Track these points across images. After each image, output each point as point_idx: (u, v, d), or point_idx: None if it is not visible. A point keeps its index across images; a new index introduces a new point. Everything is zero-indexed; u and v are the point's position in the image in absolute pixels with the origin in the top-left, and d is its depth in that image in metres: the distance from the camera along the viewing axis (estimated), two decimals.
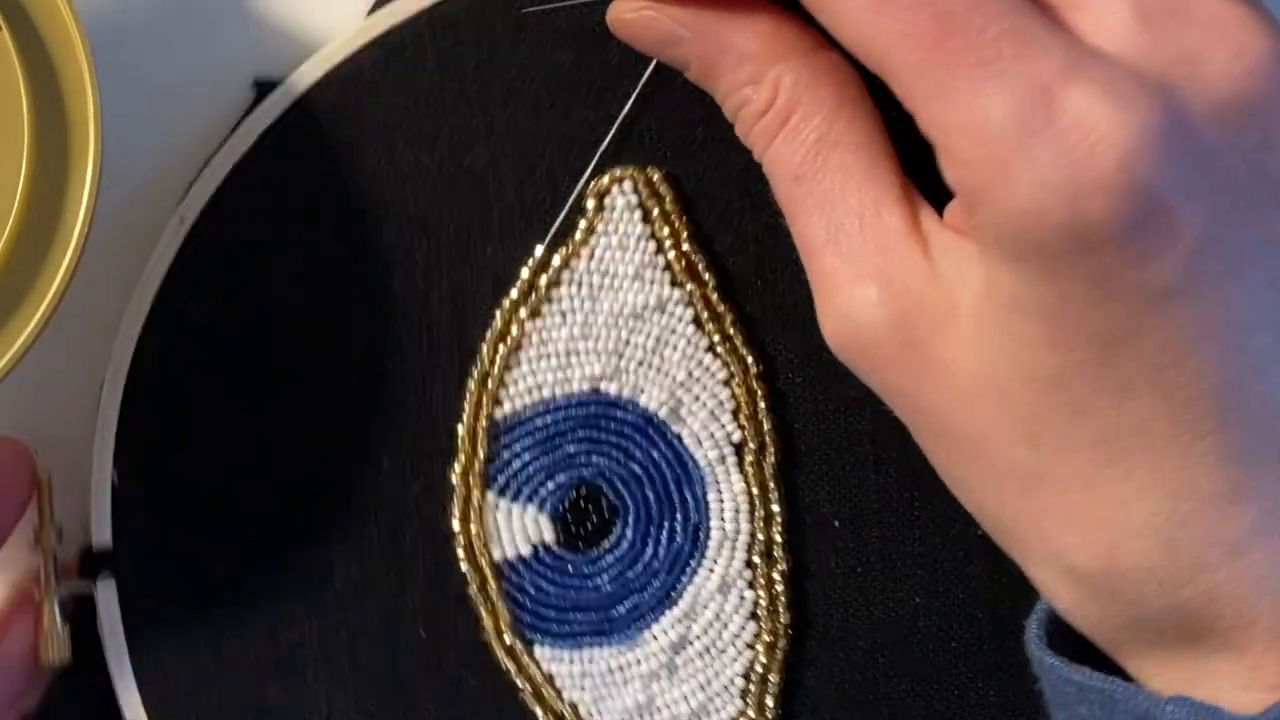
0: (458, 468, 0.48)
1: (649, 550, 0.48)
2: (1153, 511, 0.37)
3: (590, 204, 0.47)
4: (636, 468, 0.48)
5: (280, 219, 0.48)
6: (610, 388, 0.48)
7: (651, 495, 0.48)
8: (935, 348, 0.39)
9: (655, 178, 0.47)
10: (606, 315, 0.47)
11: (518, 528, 0.48)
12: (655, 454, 0.48)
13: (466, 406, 0.48)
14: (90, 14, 0.43)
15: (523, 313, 0.47)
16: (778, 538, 0.47)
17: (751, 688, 0.48)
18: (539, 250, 0.47)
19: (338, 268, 0.48)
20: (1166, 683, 0.39)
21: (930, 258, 0.39)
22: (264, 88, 0.48)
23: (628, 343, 0.47)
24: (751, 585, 0.48)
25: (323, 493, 0.49)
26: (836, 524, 0.47)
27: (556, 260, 0.47)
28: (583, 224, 0.47)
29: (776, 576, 0.47)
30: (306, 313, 0.48)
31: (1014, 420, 0.38)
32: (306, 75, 0.48)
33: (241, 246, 0.48)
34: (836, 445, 0.47)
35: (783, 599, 0.47)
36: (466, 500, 0.48)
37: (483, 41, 0.47)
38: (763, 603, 0.48)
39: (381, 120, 0.48)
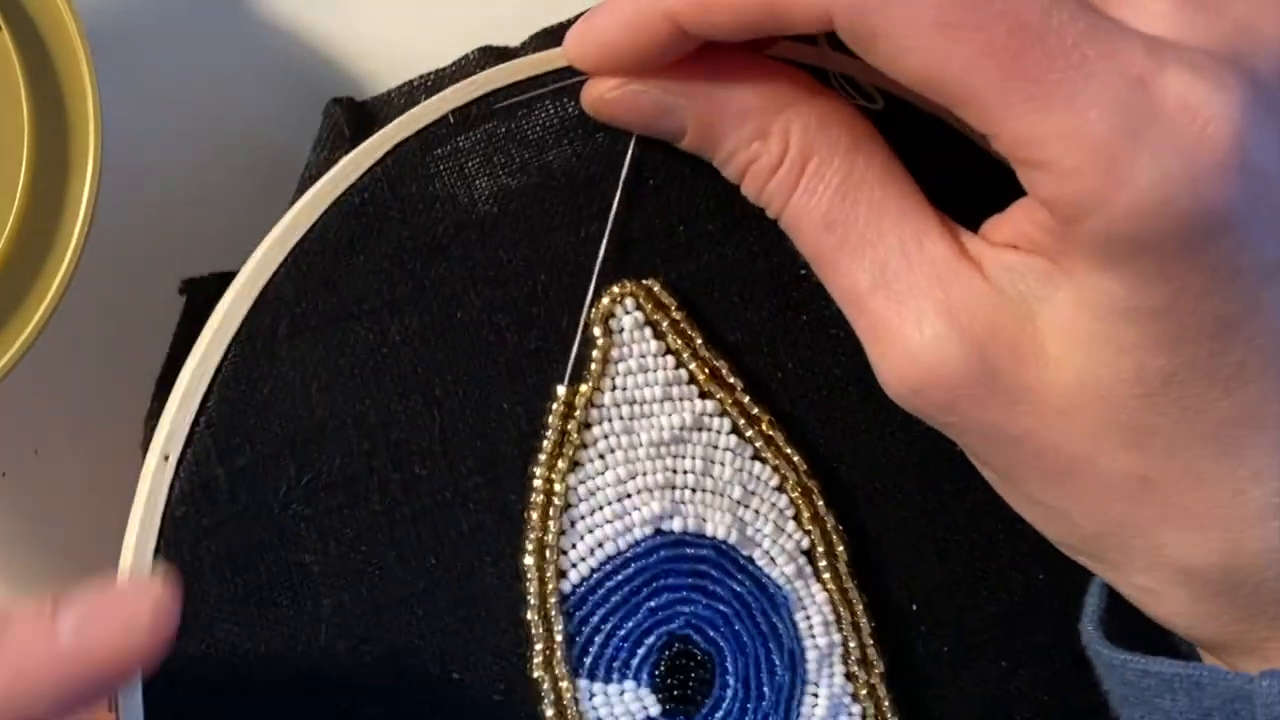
0: (538, 658, 0.42)
1: (755, 692, 0.44)
2: (1272, 493, 0.37)
3: (597, 331, 0.43)
4: (722, 606, 0.44)
5: (277, 441, 0.41)
6: (673, 525, 0.43)
7: (744, 632, 0.44)
8: (1019, 371, 0.38)
9: (655, 288, 0.44)
10: (647, 447, 0.43)
11: (620, 712, 0.43)
12: (736, 586, 0.44)
13: (531, 587, 0.42)
14: (90, 14, 0.42)
15: (561, 466, 0.42)
16: (869, 640, 0.45)
17: None
18: (561, 390, 0.43)
19: (351, 470, 0.41)
20: None
21: (990, 280, 0.38)
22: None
23: (675, 471, 0.43)
24: (855, 698, 0.45)
25: None
26: (914, 608, 0.45)
27: (580, 401, 0.43)
28: (595, 355, 0.43)
29: (876, 681, 0.45)
30: (334, 537, 0.42)
31: (1118, 428, 0.37)
32: (267, 263, 0.41)
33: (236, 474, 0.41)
34: (894, 525, 0.46)
35: (886, 703, 0.45)
36: (557, 695, 0.42)
37: (439, 180, 0.43)
38: (870, 713, 0.45)
39: (358, 291, 0.42)
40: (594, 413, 0.43)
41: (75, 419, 0.49)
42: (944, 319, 0.38)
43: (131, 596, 0.34)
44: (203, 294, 0.43)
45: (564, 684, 0.42)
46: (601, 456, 0.43)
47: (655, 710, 0.43)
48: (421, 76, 0.46)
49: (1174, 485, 0.37)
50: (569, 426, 0.43)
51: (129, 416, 0.45)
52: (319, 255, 0.42)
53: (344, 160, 0.42)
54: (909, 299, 0.38)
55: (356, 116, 0.45)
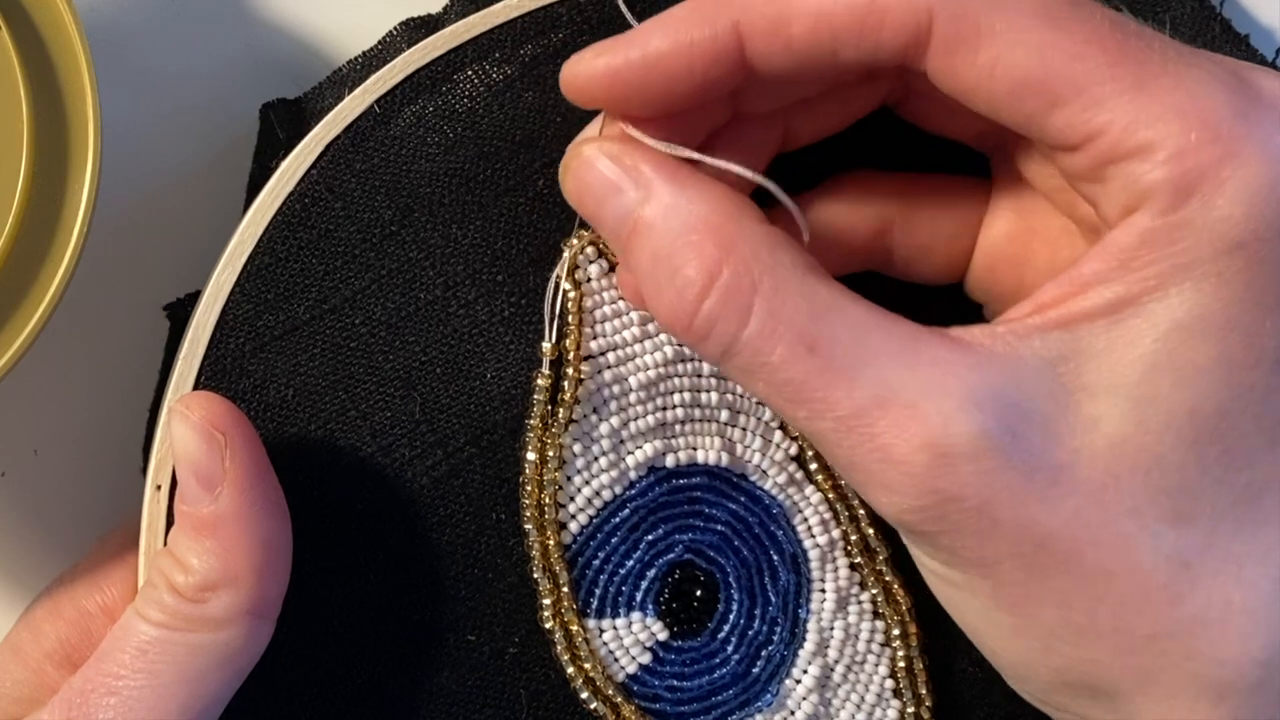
0: (547, 610, 0.44)
1: (760, 600, 0.46)
2: None
3: (567, 286, 0.44)
4: (719, 527, 0.45)
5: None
6: (666, 461, 0.45)
7: (743, 547, 0.45)
8: (1053, 450, 0.35)
9: None
10: (637, 391, 0.44)
11: (630, 642, 0.45)
12: (731, 505, 0.45)
13: (533, 545, 0.44)
14: (90, 14, 0.42)
15: (555, 427, 0.44)
16: (869, 529, 0.46)
17: (902, 683, 0.46)
18: (546, 347, 0.44)
19: (341, 463, 0.43)
20: None
21: (1011, 358, 0.36)
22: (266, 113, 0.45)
23: (665, 409, 0.45)
24: (863, 585, 0.46)
25: (420, 696, 0.43)
26: None
27: (569, 357, 0.44)
28: (571, 309, 0.44)
29: (882, 567, 0.46)
30: (337, 525, 0.44)
31: (1161, 495, 0.35)
32: (221, 285, 0.43)
33: None
34: None
35: (897, 585, 0.46)
36: (568, 638, 0.44)
37: (377, 170, 0.44)
38: (880, 598, 0.46)
39: (317, 294, 0.43)
40: (585, 366, 0.44)
41: (75, 419, 0.49)
42: (970, 410, 0.35)
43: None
44: (182, 316, 0.44)
45: (574, 628, 0.44)
46: (595, 410, 0.44)
47: (664, 635, 0.45)
48: (349, 62, 0.46)
49: (1215, 570, 0.35)
50: (562, 384, 0.44)
51: (129, 417, 0.47)
52: (270, 268, 0.43)
53: (279, 170, 0.43)
54: (927, 398, 0.35)
55: (292, 117, 0.46)
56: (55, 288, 0.40)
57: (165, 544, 0.42)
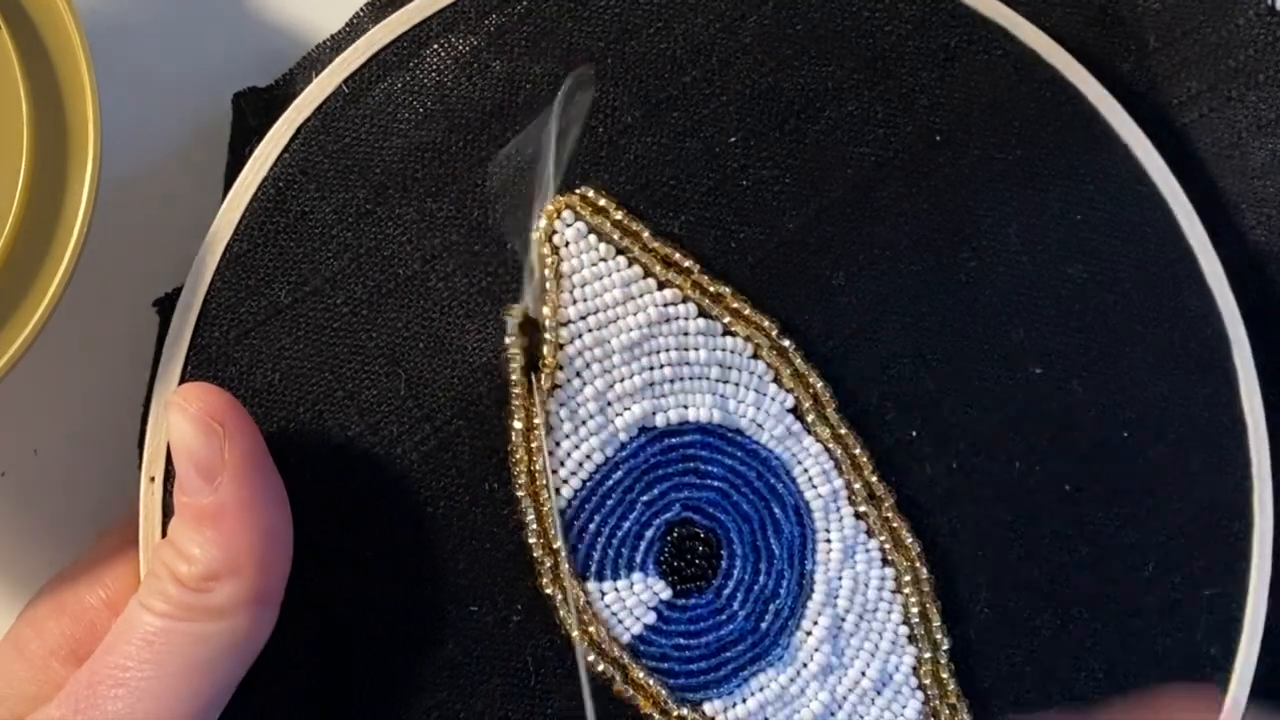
0: (545, 576, 0.44)
1: (764, 554, 0.45)
2: None
3: (545, 251, 0.44)
4: (716, 483, 0.45)
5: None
6: (656, 420, 0.45)
7: (742, 501, 0.45)
8: None
9: (590, 193, 0.45)
10: (621, 353, 0.44)
11: (632, 603, 0.45)
12: (727, 460, 0.45)
13: (527, 513, 0.44)
14: (90, 14, 0.43)
15: (537, 396, 0.44)
16: (873, 478, 0.46)
17: (916, 629, 0.46)
18: (514, 309, 0.44)
19: (331, 444, 0.44)
20: None
21: None
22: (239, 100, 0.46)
23: (651, 369, 0.45)
24: (870, 533, 0.46)
25: (427, 670, 0.44)
26: (914, 433, 0.46)
27: (548, 324, 0.44)
28: (548, 274, 0.44)
29: (889, 514, 0.46)
30: (330, 506, 0.44)
31: None
32: (200, 275, 0.44)
33: None
34: (882, 362, 0.46)
35: (904, 530, 0.46)
36: (571, 602, 0.44)
37: (349, 150, 0.44)
38: (887, 545, 0.46)
39: (297, 277, 0.44)
40: (564, 331, 0.44)
41: (75, 419, 0.49)
42: None
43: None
44: (170, 311, 0.45)
45: (575, 591, 0.44)
46: (578, 374, 0.44)
47: (666, 594, 0.45)
48: (318, 46, 0.46)
49: None
50: (542, 350, 0.44)
51: (128, 417, 0.47)
52: (248, 255, 0.44)
53: (251, 158, 0.44)
54: None
55: (264, 104, 0.46)
56: (55, 288, 0.41)
57: (164, 535, 0.43)
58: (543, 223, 0.44)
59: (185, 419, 0.41)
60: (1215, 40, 0.49)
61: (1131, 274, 0.47)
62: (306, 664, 0.44)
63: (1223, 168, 0.49)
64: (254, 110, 0.46)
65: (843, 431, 0.46)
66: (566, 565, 0.44)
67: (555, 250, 0.44)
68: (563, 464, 0.44)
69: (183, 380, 0.43)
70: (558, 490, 0.44)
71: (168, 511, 0.43)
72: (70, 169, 0.41)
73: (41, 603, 0.45)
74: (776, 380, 0.45)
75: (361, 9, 0.46)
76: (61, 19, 0.41)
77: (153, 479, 0.43)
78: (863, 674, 0.46)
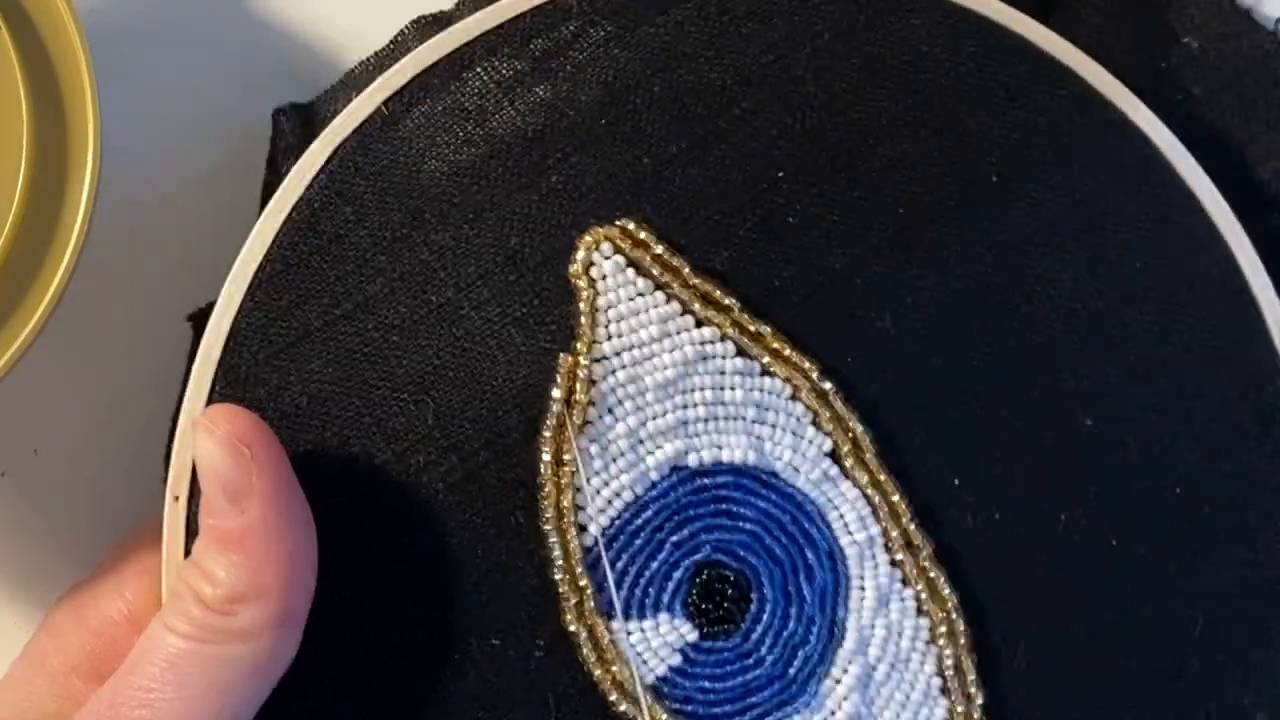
0: (570, 612, 0.43)
1: (795, 599, 0.44)
2: None
3: (581, 284, 0.43)
4: (748, 525, 0.44)
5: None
6: (689, 460, 0.44)
7: (775, 546, 0.44)
8: None
9: (630, 226, 0.44)
10: (655, 390, 0.43)
11: (658, 644, 0.44)
12: (760, 503, 0.44)
13: (554, 548, 0.43)
14: (90, 14, 0.42)
15: (570, 430, 0.43)
16: (911, 525, 0.44)
17: (950, 682, 0.45)
18: (564, 358, 0.43)
19: (357, 471, 0.43)
20: None
21: None
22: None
23: (686, 407, 0.44)
24: (906, 582, 0.45)
25: (447, 701, 0.43)
26: (956, 481, 0.45)
27: (581, 359, 0.43)
28: (583, 308, 0.43)
29: (926, 563, 0.45)
30: (354, 533, 0.43)
31: None
32: (233, 295, 0.43)
33: None
34: (925, 407, 0.45)
35: (940, 580, 0.45)
36: (594, 641, 0.43)
37: (387, 173, 0.43)
38: (923, 595, 0.45)
39: (329, 300, 0.43)
40: (597, 368, 0.43)
41: (75, 419, 0.49)
42: None
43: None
44: (204, 325, 0.44)
45: (599, 630, 0.44)
46: (610, 411, 0.44)
47: (693, 636, 0.44)
48: (361, 63, 0.46)
49: None
50: (575, 387, 0.43)
51: (128, 417, 0.47)
52: (282, 275, 0.43)
53: (288, 176, 0.43)
54: None
55: (303, 121, 0.46)
56: (55, 288, 0.41)
57: (187, 555, 0.42)
58: (580, 254, 0.43)
59: (213, 441, 0.40)
60: (1253, 94, 0.48)
61: (1192, 324, 0.46)
62: (328, 688, 0.43)
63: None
64: (293, 127, 0.45)
65: (881, 478, 0.44)
66: (592, 603, 0.43)
67: (592, 284, 0.43)
68: (592, 501, 0.44)
69: (210, 400, 0.43)
70: (584, 528, 0.44)
71: (191, 530, 0.42)
72: (70, 170, 0.41)
73: (62, 614, 0.45)
74: (815, 423, 0.44)
75: (406, 27, 0.45)
76: (61, 19, 0.41)
77: (177, 498, 0.43)
78: None
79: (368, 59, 0.46)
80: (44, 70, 0.41)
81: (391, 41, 0.45)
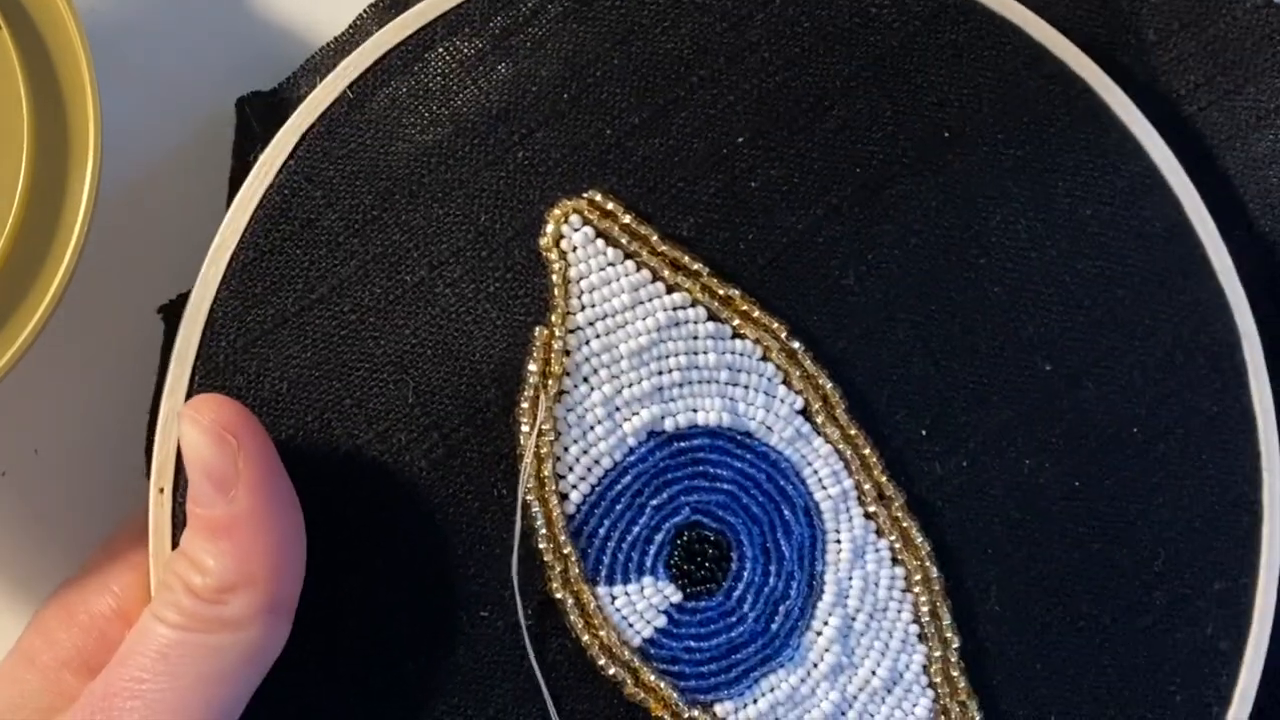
0: (555, 580, 0.44)
1: (774, 556, 0.45)
2: None
3: (552, 256, 0.44)
4: (726, 486, 0.45)
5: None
6: (665, 425, 0.45)
7: (752, 504, 0.45)
8: None
9: (598, 198, 0.44)
10: (629, 358, 0.44)
11: (642, 607, 0.45)
12: (737, 464, 0.45)
13: (536, 518, 0.44)
14: (90, 14, 0.43)
15: (545, 400, 0.44)
16: (883, 478, 0.46)
17: (927, 628, 0.46)
18: (539, 331, 0.44)
19: (340, 452, 0.44)
20: None
21: None
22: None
23: (660, 373, 0.44)
24: (880, 533, 0.46)
25: (438, 676, 0.44)
26: (924, 432, 0.46)
27: (555, 330, 0.44)
28: (555, 280, 0.44)
29: (899, 514, 0.46)
30: (340, 515, 0.44)
31: None
32: (208, 285, 0.43)
33: None
34: (891, 361, 0.46)
35: (914, 529, 0.46)
36: (580, 607, 0.44)
37: (355, 156, 0.44)
38: (897, 544, 0.46)
39: (304, 285, 0.44)
40: (571, 338, 0.44)
41: (75, 419, 0.49)
42: None
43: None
44: (176, 316, 0.44)
45: (585, 596, 0.44)
46: (586, 380, 0.44)
47: (677, 597, 0.45)
48: (322, 48, 0.46)
49: None
50: (549, 358, 0.44)
51: (129, 417, 0.47)
52: (254, 263, 0.43)
53: (256, 165, 0.43)
54: None
55: (268, 109, 0.46)
56: (55, 288, 0.41)
57: (175, 546, 0.43)
58: (550, 227, 0.44)
59: (198, 431, 0.41)
60: (1213, 34, 0.49)
61: (1141, 268, 0.47)
62: (319, 672, 0.44)
63: (1226, 160, 0.49)
64: (258, 115, 0.45)
65: (852, 432, 0.45)
66: (577, 570, 0.44)
67: (563, 256, 0.44)
68: (571, 469, 0.44)
69: (190, 390, 0.43)
70: (566, 495, 0.44)
71: (177, 522, 0.43)
72: (70, 169, 0.41)
73: (50, 612, 0.45)
74: (786, 382, 0.45)
75: (364, 11, 0.45)
76: (61, 19, 0.41)
77: (162, 490, 0.43)
78: (873, 673, 0.46)
79: (328, 44, 0.46)
80: (44, 69, 0.41)
81: (350, 26, 0.46)
